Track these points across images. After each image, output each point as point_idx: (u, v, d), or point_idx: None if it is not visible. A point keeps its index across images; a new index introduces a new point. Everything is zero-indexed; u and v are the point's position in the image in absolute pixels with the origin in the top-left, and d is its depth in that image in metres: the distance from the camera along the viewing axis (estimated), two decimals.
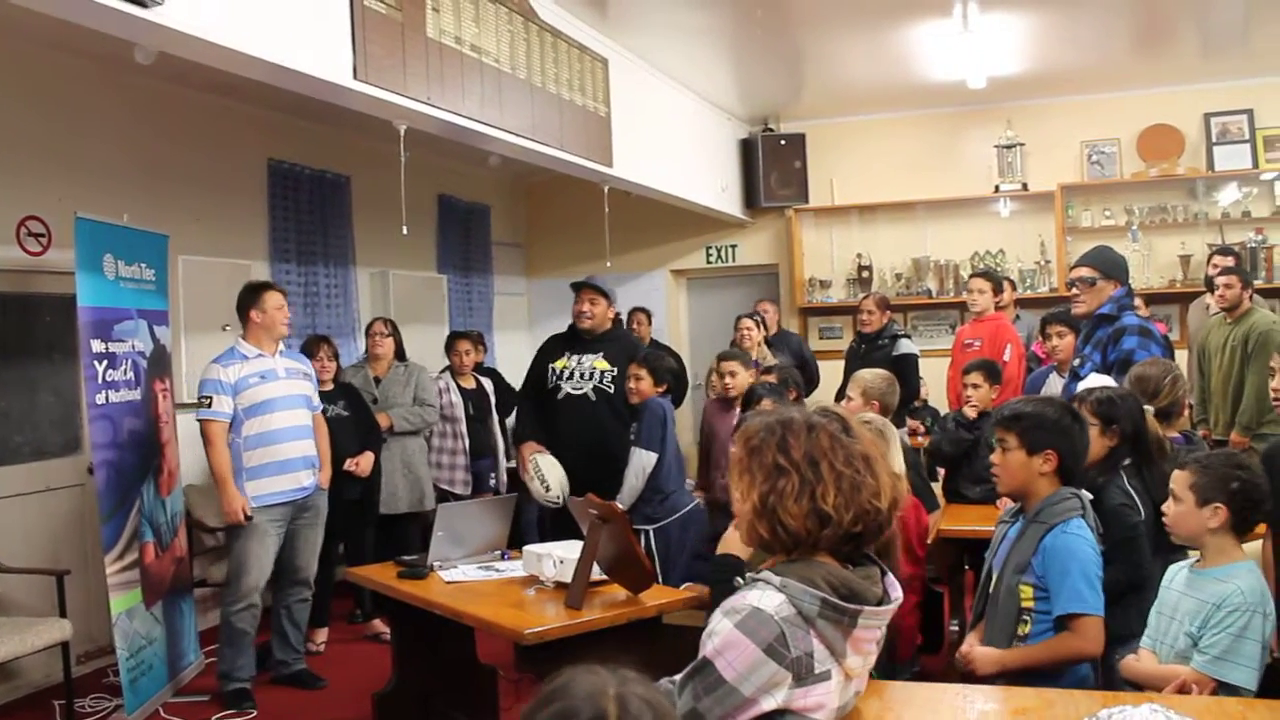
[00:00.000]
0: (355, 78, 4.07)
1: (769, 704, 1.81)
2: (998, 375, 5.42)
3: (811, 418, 1.98)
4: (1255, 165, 8.25)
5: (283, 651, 5.28)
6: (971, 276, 7.11)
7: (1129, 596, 3.09)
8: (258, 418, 5.00)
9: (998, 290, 6.88)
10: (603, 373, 5.42)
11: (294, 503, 5.12)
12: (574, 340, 5.57)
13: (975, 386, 5.28)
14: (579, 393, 5.43)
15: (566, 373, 5.45)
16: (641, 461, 5.03)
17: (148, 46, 3.68)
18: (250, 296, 5.13)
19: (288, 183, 7.17)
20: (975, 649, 2.84)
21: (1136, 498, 3.29)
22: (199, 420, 5.00)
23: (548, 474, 5.24)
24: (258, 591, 5.02)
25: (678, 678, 1.93)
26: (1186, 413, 3.91)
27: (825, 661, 1.86)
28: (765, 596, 1.84)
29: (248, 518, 4.92)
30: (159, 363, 5.19)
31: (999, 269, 8.48)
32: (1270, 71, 8.01)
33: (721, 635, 1.81)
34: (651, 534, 5.02)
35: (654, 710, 1.31)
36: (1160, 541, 3.14)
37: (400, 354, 6.55)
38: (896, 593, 2.00)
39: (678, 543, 5.06)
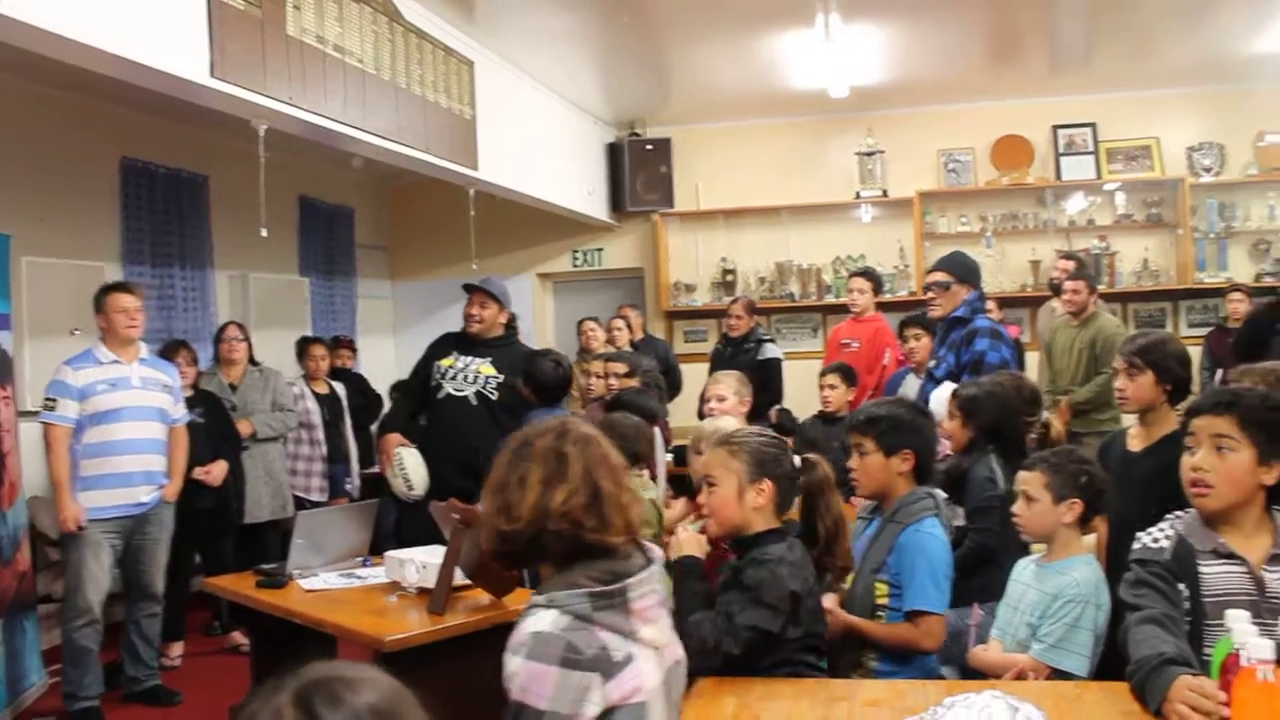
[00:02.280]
0: (213, 75, 3.96)
1: (592, 710, 1.82)
2: (853, 378, 5.52)
3: (523, 434, 2.07)
4: (1099, 176, 8.67)
5: (134, 668, 5.07)
6: (851, 276, 7.18)
7: (982, 569, 3.24)
8: (100, 426, 4.81)
9: (878, 290, 7.00)
10: (488, 378, 5.33)
11: (131, 517, 4.92)
12: (464, 341, 5.49)
13: (833, 388, 5.38)
14: (460, 394, 5.34)
15: (451, 372, 5.37)
16: None
17: None
18: (98, 299, 4.94)
19: (142, 182, 6.92)
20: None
21: (1000, 475, 3.53)
22: (41, 423, 4.80)
23: (411, 471, 5.17)
24: (98, 606, 4.80)
25: None
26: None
27: (621, 646, 1.87)
28: (539, 619, 1.86)
29: (80, 528, 4.72)
30: None
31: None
32: (1111, 88, 8.41)
33: (520, 673, 1.81)
34: None
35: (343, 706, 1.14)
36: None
37: (252, 358, 6.39)
38: (655, 553, 2.05)
39: None
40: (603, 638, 1.86)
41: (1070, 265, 6.94)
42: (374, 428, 7.68)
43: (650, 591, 1.96)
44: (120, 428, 4.85)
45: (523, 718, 1.80)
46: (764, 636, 2.43)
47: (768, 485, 2.60)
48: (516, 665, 1.82)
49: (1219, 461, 2.29)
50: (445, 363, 5.40)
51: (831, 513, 2.69)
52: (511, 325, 5.73)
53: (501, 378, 5.30)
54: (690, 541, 2.67)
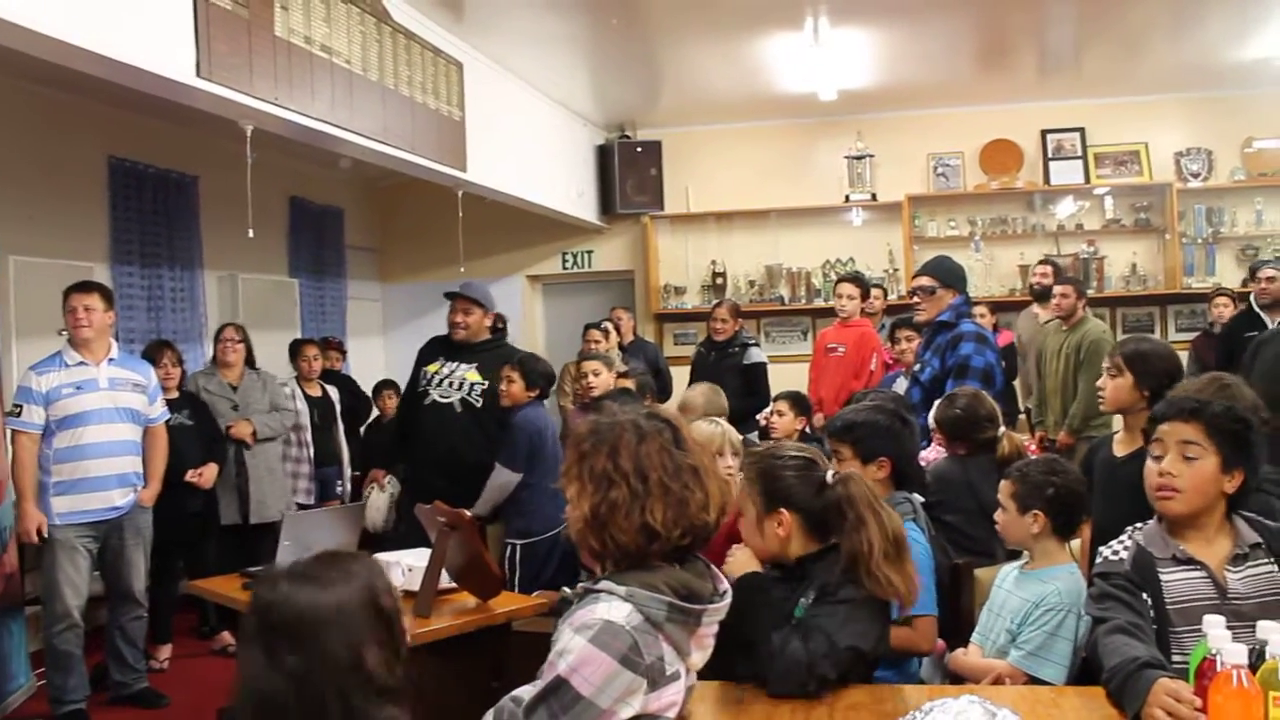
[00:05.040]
0: (199, 75, 3.96)
1: (626, 713, 1.82)
2: (806, 407, 5.40)
3: (642, 425, 1.98)
4: (1087, 180, 8.70)
5: (121, 673, 5.05)
6: (839, 281, 7.11)
7: None
8: (69, 430, 4.74)
9: (865, 295, 6.98)
10: (473, 384, 5.29)
11: (107, 521, 4.87)
12: (451, 346, 5.44)
13: (780, 414, 5.24)
14: (445, 401, 5.31)
15: (437, 379, 5.34)
16: (500, 479, 4.94)
17: None
18: (63, 300, 4.88)
19: (130, 182, 6.89)
20: None
21: None
22: (9, 429, 4.74)
23: (372, 507, 5.21)
24: (77, 611, 4.76)
25: (522, 693, 1.92)
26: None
27: (674, 663, 1.89)
28: (614, 608, 1.85)
29: (42, 538, 4.67)
30: None
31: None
32: (1099, 94, 8.45)
33: (576, 652, 1.80)
34: (519, 548, 4.96)
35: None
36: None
37: (250, 362, 6.37)
38: (724, 585, 2.04)
39: (545, 558, 4.97)
40: (663, 649, 1.87)
41: (1049, 270, 7.00)
42: (360, 429, 7.70)
43: (716, 622, 1.98)
44: (88, 431, 4.78)
45: (559, 694, 1.79)
46: (861, 657, 2.31)
47: (785, 516, 2.44)
48: (578, 644, 1.81)
49: (1186, 468, 2.33)
50: (431, 369, 5.38)
51: (857, 534, 2.37)
52: (497, 326, 5.70)
53: (487, 384, 5.26)
54: (748, 559, 2.46)
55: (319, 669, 1.68)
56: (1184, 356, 7.45)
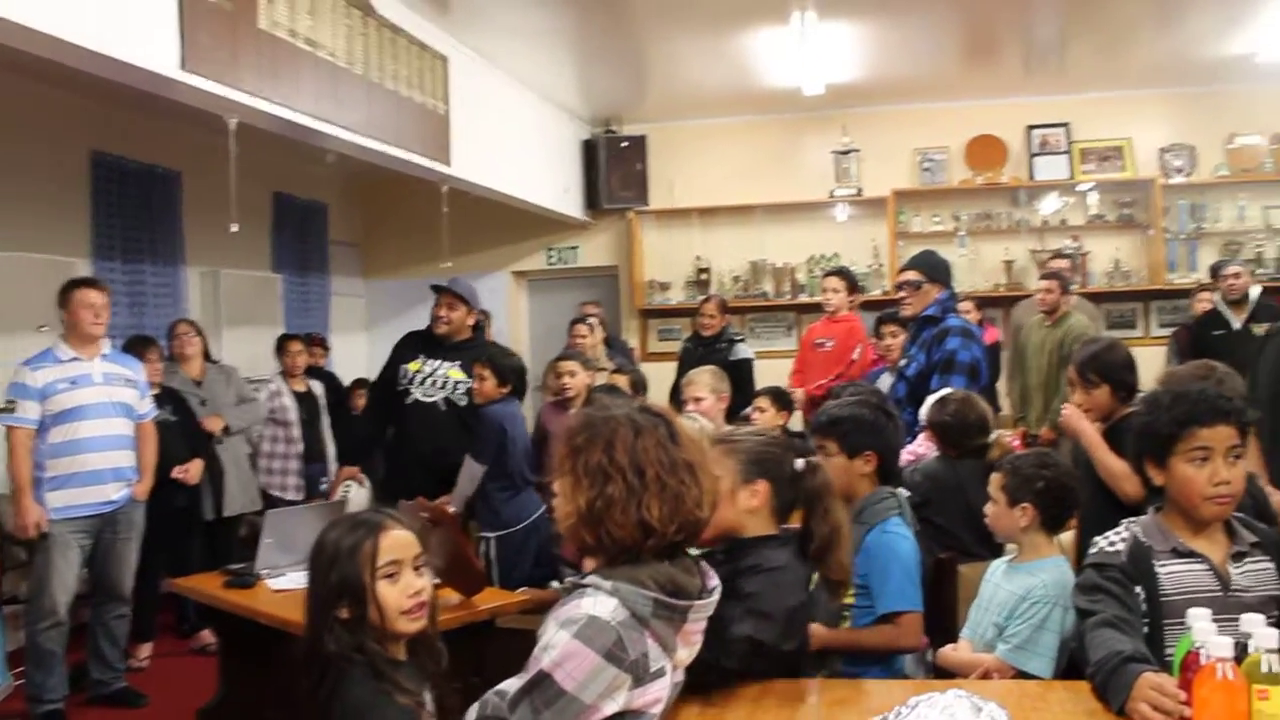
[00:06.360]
0: (182, 68, 3.94)
1: (610, 708, 1.81)
2: (787, 402, 5.39)
3: (637, 420, 1.96)
4: (1071, 176, 8.72)
5: (100, 671, 5.00)
6: (825, 275, 7.09)
7: None
8: (65, 425, 4.72)
9: (852, 289, 6.96)
10: (456, 383, 5.24)
11: (100, 516, 4.86)
12: (431, 343, 5.36)
13: (761, 410, 5.21)
14: (429, 400, 5.26)
15: (419, 377, 5.26)
16: (470, 471, 4.91)
17: None
18: (62, 295, 4.85)
19: (112, 176, 6.85)
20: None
21: None
22: (3, 425, 4.74)
23: (351, 506, 5.13)
24: (64, 608, 4.74)
25: (506, 686, 1.90)
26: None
27: (660, 659, 1.87)
28: (599, 603, 1.83)
29: (42, 534, 4.66)
30: None
31: None
32: (1084, 89, 8.46)
33: (560, 647, 1.79)
34: (493, 542, 4.91)
35: None
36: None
37: (209, 356, 6.34)
38: (713, 581, 2.02)
39: (520, 550, 4.93)
40: (648, 645, 1.85)
41: (1065, 263, 7.14)
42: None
43: (703, 619, 1.96)
44: (84, 425, 4.77)
45: (542, 688, 1.78)
46: (757, 647, 2.26)
47: (762, 486, 2.44)
48: (561, 639, 1.79)
49: (1236, 471, 2.28)
50: (412, 367, 5.30)
51: (829, 520, 2.44)
52: (479, 326, 5.66)
53: (470, 382, 5.18)
54: None
55: (314, 592, 2.12)
56: (1164, 351, 7.59)
